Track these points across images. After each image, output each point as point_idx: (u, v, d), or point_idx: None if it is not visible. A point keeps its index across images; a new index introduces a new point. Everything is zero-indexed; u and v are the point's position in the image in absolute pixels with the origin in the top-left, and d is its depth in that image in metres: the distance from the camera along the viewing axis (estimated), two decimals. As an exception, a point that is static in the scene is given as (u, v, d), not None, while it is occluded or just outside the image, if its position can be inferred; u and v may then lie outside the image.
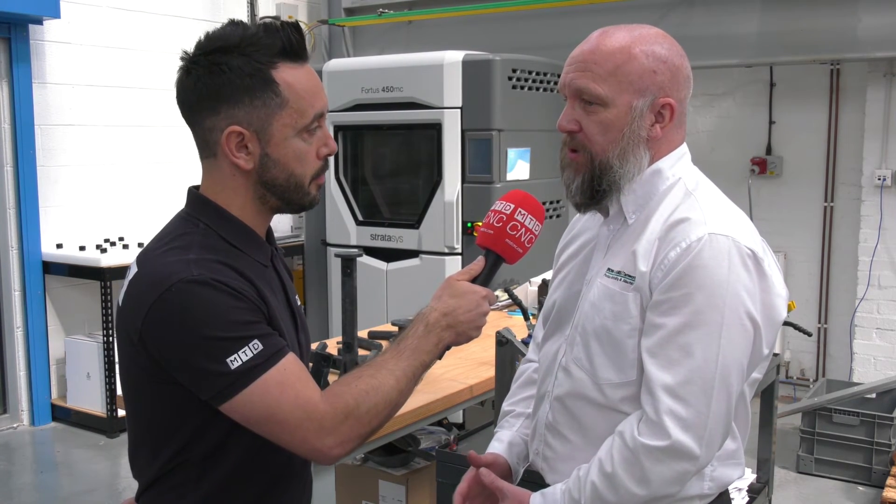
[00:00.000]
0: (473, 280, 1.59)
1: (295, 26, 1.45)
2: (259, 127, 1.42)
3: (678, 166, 1.58)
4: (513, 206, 1.60)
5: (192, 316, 1.34)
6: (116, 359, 1.54)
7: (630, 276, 1.50)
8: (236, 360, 1.34)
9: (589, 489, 1.47)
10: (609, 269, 1.54)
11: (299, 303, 1.64)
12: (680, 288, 1.42)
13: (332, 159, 5.05)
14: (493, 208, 1.62)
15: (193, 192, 1.51)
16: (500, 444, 1.76)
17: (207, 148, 1.46)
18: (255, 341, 1.36)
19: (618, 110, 1.49)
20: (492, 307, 1.60)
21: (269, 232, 1.57)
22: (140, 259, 1.45)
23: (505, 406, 1.86)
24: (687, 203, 1.51)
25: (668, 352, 1.42)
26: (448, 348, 1.55)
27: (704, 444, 1.41)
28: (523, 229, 1.59)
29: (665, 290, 1.44)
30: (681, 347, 1.41)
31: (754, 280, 1.44)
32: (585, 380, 1.56)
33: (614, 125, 1.50)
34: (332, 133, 5.13)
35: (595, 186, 1.53)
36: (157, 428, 1.45)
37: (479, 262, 1.61)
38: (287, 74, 1.42)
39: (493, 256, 1.61)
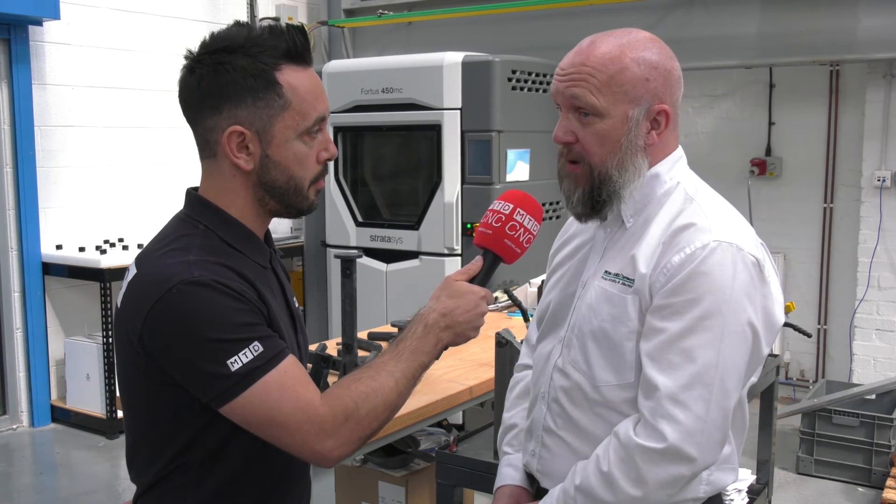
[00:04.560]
0: (471, 280, 1.58)
1: (300, 29, 1.46)
2: (261, 128, 1.42)
3: (675, 170, 1.58)
4: (511, 205, 1.59)
5: (192, 317, 1.33)
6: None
7: (629, 278, 1.50)
8: (237, 361, 1.34)
9: (585, 486, 1.47)
10: (606, 271, 1.55)
11: (297, 304, 1.64)
12: (683, 293, 1.43)
13: (331, 162, 5.05)
14: (491, 208, 1.62)
15: (192, 194, 1.51)
16: (517, 472, 1.74)
17: (208, 148, 1.46)
18: (256, 343, 1.36)
19: (614, 121, 1.50)
20: (490, 307, 1.60)
21: (268, 234, 1.56)
22: (139, 260, 1.45)
23: (506, 418, 1.83)
24: (690, 208, 1.51)
25: (669, 356, 1.42)
26: (446, 348, 1.55)
27: (701, 449, 1.42)
28: (522, 229, 1.58)
29: (667, 295, 1.44)
30: (682, 352, 1.42)
31: (756, 287, 1.46)
32: (582, 381, 1.56)
33: (611, 136, 1.50)
34: (331, 134, 5.14)
35: (596, 197, 1.53)
36: (156, 430, 1.45)
37: (476, 262, 1.60)
38: (290, 77, 1.43)
39: (490, 256, 1.60)
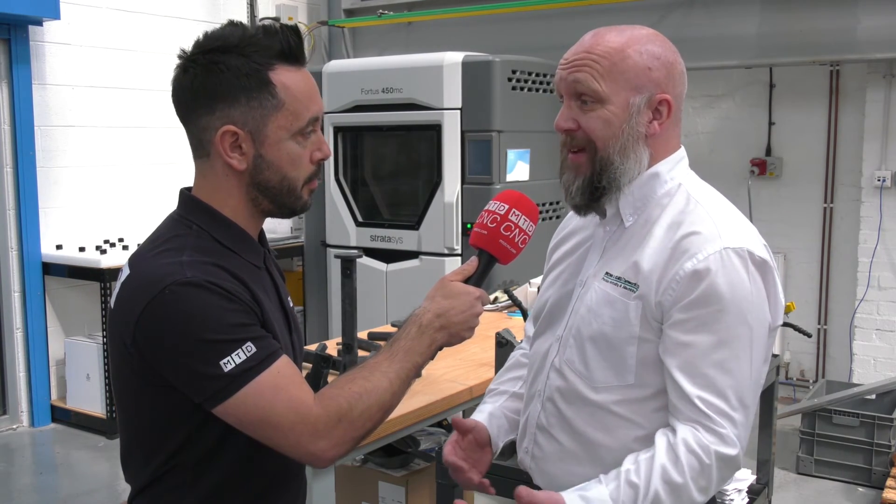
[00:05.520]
0: (467, 280, 1.58)
1: (294, 29, 1.45)
2: (254, 128, 1.42)
3: (676, 170, 1.57)
4: (507, 206, 1.59)
5: (185, 318, 1.33)
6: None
7: (631, 283, 1.50)
8: (230, 362, 1.33)
9: (653, 498, 1.42)
10: (608, 273, 1.54)
11: (292, 304, 1.64)
12: (705, 305, 1.43)
13: (329, 162, 5.05)
14: (486, 208, 1.61)
15: (185, 194, 1.51)
16: (481, 414, 1.77)
17: (201, 147, 1.46)
18: (249, 344, 1.35)
19: (615, 107, 1.49)
20: (485, 308, 1.60)
21: (262, 234, 1.56)
22: (132, 261, 1.45)
23: (491, 386, 1.87)
24: (696, 213, 1.50)
25: (705, 370, 1.43)
26: (440, 349, 1.54)
27: (743, 451, 1.47)
28: (517, 230, 1.58)
29: (688, 308, 1.44)
30: (717, 365, 1.43)
31: (769, 288, 1.48)
32: (578, 382, 1.56)
33: (613, 122, 1.50)
34: (331, 134, 5.15)
35: (595, 184, 1.53)
36: (150, 431, 1.45)
37: (472, 263, 1.60)
38: (284, 77, 1.43)
39: (486, 257, 1.60)
